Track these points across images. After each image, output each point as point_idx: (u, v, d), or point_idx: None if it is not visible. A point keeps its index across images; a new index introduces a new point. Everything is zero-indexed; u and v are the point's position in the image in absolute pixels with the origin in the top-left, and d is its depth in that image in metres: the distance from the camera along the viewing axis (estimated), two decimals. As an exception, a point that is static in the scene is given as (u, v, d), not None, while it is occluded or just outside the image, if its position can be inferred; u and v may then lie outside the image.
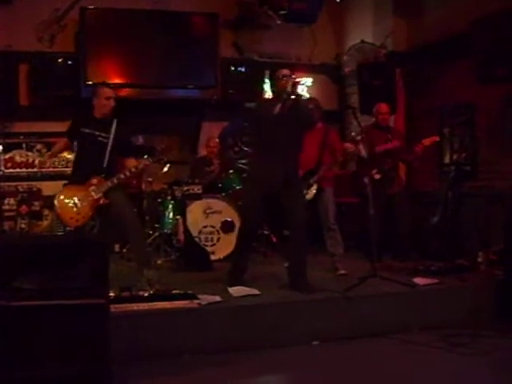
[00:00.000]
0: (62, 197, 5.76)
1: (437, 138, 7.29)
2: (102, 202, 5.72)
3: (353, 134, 6.43)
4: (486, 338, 5.17)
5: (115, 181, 5.74)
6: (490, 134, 7.58)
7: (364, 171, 6.67)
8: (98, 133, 5.78)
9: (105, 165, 5.75)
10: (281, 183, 5.60)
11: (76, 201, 5.69)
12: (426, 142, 7.10)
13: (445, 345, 5.05)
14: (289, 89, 5.56)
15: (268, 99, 5.72)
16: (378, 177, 6.90)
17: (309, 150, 6.53)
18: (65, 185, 5.98)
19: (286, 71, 5.74)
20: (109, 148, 5.76)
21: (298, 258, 5.75)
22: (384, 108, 7.37)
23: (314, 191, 6.49)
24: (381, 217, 6.71)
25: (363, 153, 6.65)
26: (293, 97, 5.59)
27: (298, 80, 5.62)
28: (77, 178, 5.84)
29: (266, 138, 5.69)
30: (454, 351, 4.92)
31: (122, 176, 5.79)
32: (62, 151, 6.16)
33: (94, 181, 5.72)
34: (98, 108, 5.86)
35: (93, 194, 5.70)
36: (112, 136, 5.77)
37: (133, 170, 5.84)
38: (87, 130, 5.80)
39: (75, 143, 5.97)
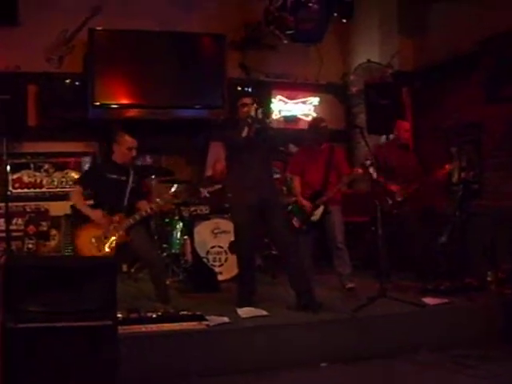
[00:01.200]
0: (82, 236, 5.81)
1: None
2: (123, 239, 5.78)
3: (367, 162, 6.40)
4: (495, 359, 5.13)
5: (137, 217, 5.82)
6: (496, 154, 7.56)
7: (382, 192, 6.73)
8: (123, 178, 5.93)
9: (125, 203, 5.87)
10: (261, 204, 5.76)
11: (98, 239, 5.74)
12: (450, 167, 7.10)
13: (454, 366, 5.00)
14: (253, 114, 5.76)
15: (234, 125, 5.90)
16: (399, 199, 6.87)
17: (314, 170, 6.57)
18: (83, 223, 5.97)
19: (246, 99, 6.00)
20: (129, 189, 5.90)
21: (297, 276, 5.76)
22: (407, 125, 7.39)
23: (321, 212, 6.47)
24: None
25: (375, 176, 6.64)
26: (258, 122, 5.82)
27: (259, 106, 5.86)
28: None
29: (238, 161, 5.92)
30: (464, 373, 4.87)
31: (144, 213, 5.88)
32: (83, 202, 6.07)
33: (116, 218, 5.79)
34: (118, 155, 6.00)
35: (114, 231, 5.76)
36: (131, 179, 5.93)
37: (154, 207, 5.95)
38: (114, 176, 5.93)
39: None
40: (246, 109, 5.87)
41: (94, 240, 5.74)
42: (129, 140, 5.98)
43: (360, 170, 6.54)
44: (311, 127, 6.83)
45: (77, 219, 6.25)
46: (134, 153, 5.98)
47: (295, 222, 6.49)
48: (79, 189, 6.02)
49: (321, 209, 6.46)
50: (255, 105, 5.85)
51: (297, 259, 5.84)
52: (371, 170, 6.49)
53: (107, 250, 5.73)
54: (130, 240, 5.83)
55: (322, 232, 6.55)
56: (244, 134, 5.73)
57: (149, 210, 5.91)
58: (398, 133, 7.37)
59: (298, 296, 5.73)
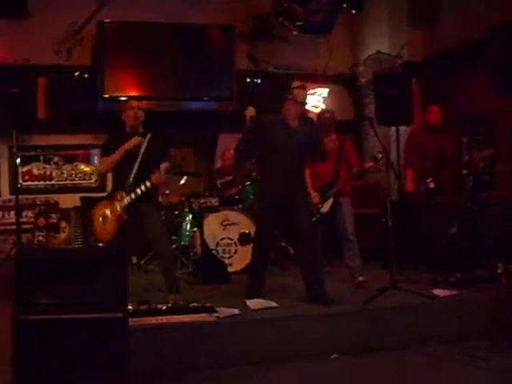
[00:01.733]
0: (95, 211, 5.82)
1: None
2: (122, 218, 5.67)
3: (379, 155, 6.37)
4: (505, 350, 5.10)
5: (133, 196, 5.66)
6: (507, 144, 7.53)
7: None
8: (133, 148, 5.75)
9: (130, 179, 5.67)
10: (287, 197, 5.67)
11: (104, 216, 5.73)
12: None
13: (464, 358, 4.97)
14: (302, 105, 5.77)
15: (279, 115, 5.78)
16: (432, 186, 6.87)
17: (325, 162, 6.53)
18: (101, 199, 5.99)
19: (298, 83, 5.91)
20: (137, 163, 5.69)
21: (311, 267, 5.72)
22: (435, 108, 7.39)
23: (331, 204, 6.46)
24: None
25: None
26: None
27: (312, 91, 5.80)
28: (110, 193, 5.90)
29: (272, 153, 5.76)
30: (473, 364, 4.85)
31: (139, 191, 5.64)
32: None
33: (118, 196, 5.70)
34: (126, 121, 5.89)
35: (117, 209, 5.70)
36: (142, 150, 5.70)
37: (148, 184, 5.64)
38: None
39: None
40: (301, 90, 5.80)
41: (101, 219, 5.73)
42: (131, 101, 6.03)
43: (371, 164, 6.53)
44: (317, 119, 6.85)
45: (87, 210, 6.23)
46: (139, 114, 5.83)
47: None
48: (106, 158, 5.87)
49: (330, 201, 6.45)
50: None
51: (313, 251, 5.78)
52: (381, 164, 6.48)
53: (110, 227, 5.68)
54: (142, 226, 5.72)
55: (331, 224, 6.54)
56: (290, 133, 5.70)
57: (143, 188, 5.61)
58: (428, 116, 7.41)
59: (308, 288, 5.71)
